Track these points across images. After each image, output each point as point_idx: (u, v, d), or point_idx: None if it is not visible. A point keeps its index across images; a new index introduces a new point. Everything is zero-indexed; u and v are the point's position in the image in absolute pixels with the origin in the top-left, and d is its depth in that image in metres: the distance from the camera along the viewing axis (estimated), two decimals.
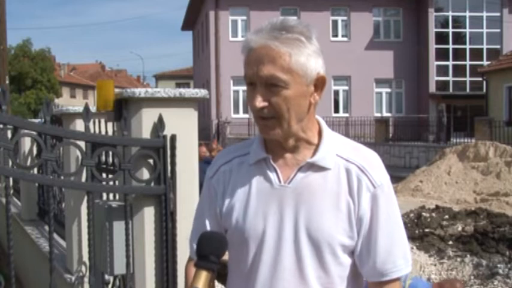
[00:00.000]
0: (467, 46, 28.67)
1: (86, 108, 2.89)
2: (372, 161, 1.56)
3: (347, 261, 1.55)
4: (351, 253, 1.56)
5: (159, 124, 2.84)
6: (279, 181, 1.55)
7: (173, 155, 2.87)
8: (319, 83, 1.53)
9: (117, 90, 2.94)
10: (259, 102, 1.48)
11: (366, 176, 1.53)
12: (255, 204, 1.56)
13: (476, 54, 28.54)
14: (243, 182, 1.59)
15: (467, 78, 28.41)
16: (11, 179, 2.85)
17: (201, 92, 2.94)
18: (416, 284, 3.50)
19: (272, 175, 1.56)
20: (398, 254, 1.55)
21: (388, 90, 29.35)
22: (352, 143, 1.61)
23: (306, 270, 1.52)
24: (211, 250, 1.46)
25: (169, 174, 2.87)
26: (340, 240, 1.52)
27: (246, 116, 25.26)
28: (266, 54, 1.46)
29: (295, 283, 1.53)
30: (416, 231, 8.33)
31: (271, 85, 1.47)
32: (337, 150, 1.56)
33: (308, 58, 1.48)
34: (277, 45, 1.46)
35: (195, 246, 1.53)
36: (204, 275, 1.43)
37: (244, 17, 27.72)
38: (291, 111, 1.49)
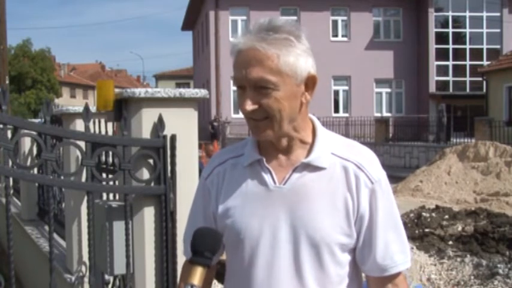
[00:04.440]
0: (467, 46, 28.68)
1: (86, 108, 2.89)
2: (367, 158, 1.56)
3: (345, 259, 1.55)
4: (350, 251, 1.55)
5: (159, 124, 2.84)
6: (274, 182, 1.54)
7: (173, 155, 2.87)
8: (310, 83, 1.51)
9: (117, 90, 2.94)
10: (249, 106, 1.47)
11: (363, 173, 1.52)
12: (251, 205, 1.55)
13: (476, 54, 28.55)
14: (237, 184, 1.58)
15: (467, 78, 28.41)
16: (11, 179, 2.84)
17: (201, 92, 2.94)
18: None
19: (267, 177, 1.55)
20: (396, 249, 1.55)
21: (388, 90, 29.35)
22: (346, 141, 1.60)
23: (303, 271, 1.51)
24: (205, 246, 1.44)
25: (169, 174, 2.87)
26: (338, 239, 1.51)
27: None
28: (254, 57, 1.44)
29: (292, 283, 1.51)
30: (416, 231, 8.32)
31: (260, 87, 1.45)
32: (332, 149, 1.55)
33: (297, 58, 1.46)
34: (265, 46, 1.43)
35: (189, 246, 1.50)
36: (199, 271, 1.41)
37: (244, 17, 27.70)
38: (282, 112, 1.47)
